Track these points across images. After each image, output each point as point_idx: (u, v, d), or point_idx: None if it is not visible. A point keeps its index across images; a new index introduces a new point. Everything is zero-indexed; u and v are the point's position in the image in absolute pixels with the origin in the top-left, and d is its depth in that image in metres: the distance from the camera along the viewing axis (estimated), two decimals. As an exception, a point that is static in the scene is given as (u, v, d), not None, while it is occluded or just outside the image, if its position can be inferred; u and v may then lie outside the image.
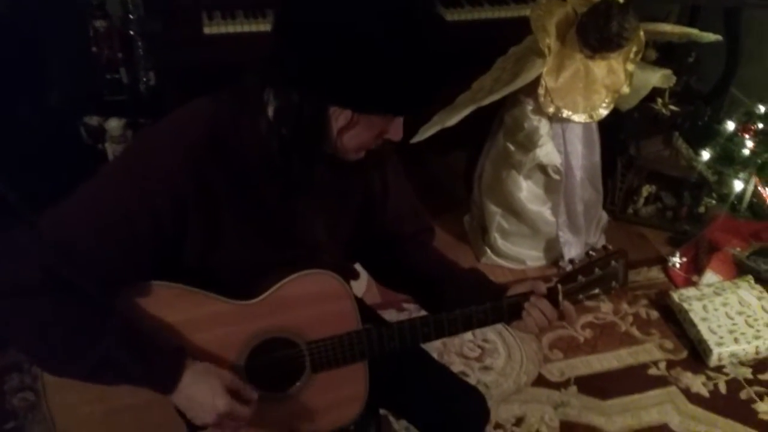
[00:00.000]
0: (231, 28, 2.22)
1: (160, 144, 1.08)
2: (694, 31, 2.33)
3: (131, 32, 2.60)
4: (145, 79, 2.68)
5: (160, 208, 1.05)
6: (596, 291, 1.23)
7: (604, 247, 1.24)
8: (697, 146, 2.72)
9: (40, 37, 2.51)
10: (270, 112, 1.07)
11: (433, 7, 1.04)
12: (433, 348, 2.17)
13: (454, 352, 2.21)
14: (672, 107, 2.68)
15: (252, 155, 1.08)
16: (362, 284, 2.32)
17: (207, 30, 2.21)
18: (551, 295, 1.21)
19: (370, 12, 0.95)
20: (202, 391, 1.09)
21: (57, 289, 1.03)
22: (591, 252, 1.23)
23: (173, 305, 1.13)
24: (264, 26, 2.22)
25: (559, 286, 1.21)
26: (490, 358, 2.20)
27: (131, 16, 2.56)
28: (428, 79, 1.02)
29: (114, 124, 2.55)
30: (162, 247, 1.08)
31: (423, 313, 1.27)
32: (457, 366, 2.15)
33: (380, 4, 0.96)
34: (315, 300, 1.19)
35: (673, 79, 2.42)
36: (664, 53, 2.70)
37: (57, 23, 2.56)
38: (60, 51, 2.60)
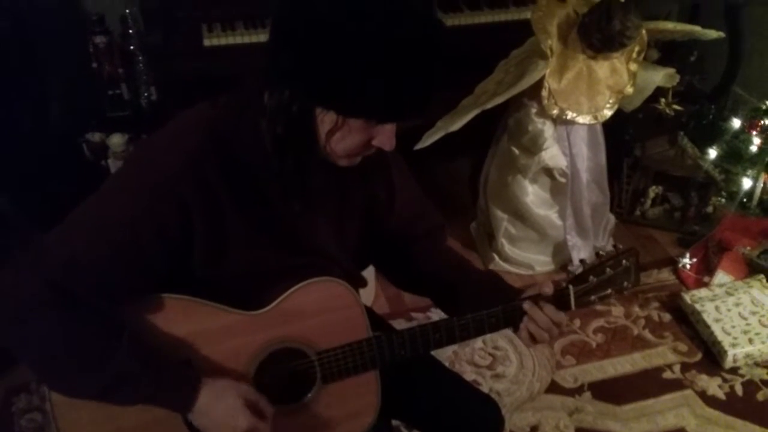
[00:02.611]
0: (231, 40, 2.22)
1: (160, 152, 1.07)
2: (696, 29, 2.32)
3: (131, 47, 2.61)
4: (146, 95, 2.68)
5: (164, 218, 1.03)
6: (608, 291, 1.21)
7: (615, 247, 1.22)
8: (702, 145, 2.71)
9: (40, 55, 2.51)
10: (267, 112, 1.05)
11: (429, 18, 0.99)
12: (444, 357, 2.14)
13: (465, 360, 2.19)
14: (676, 107, 2.66)
15: (253, 157, 1.07)
16: (370, 293, 2.30)
17: (207, 42, 2.21)
18: (562, 298, 1.19)
19: (356, 15, 0.94)
20: (222, 410, 1.07)
21: (66, 307, 1.01)
22: (601, 252, 1.21)
23: (181, 317, 1.11)
24: (264, 37, 2.19)
25: (571, 288, 1.19)
26: (501, 366, 2.17)
27: (131, 32, 2.56)
28: (410, 89, 0.98)
29: (116, 140, 2.54)
30: (169, 256, 1.07)
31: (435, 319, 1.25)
32: (468, 375, 2.12)
33: (368, 9, 0.94)
34: (323, 309, 1.17)
35: (677, 78, 2.40)
36: (666, 53, 2.69)
37: (57, 40, 2.57)
38: (60, 68, 2.60)
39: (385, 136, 1.05)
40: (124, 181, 1.08)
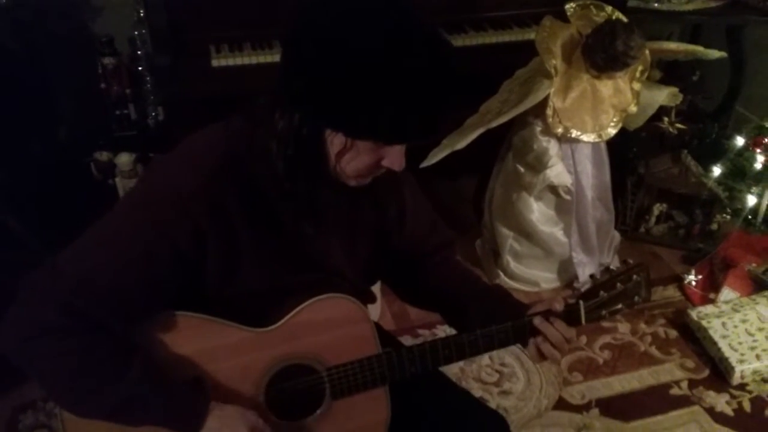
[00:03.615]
0: (239, 60, 2.24)
1: (174, 173, 1.08)
2: (699, 48, 2.34)
3: (140, 68, 2.64)
4: (153, 114, 2.71)
5: (178, 238, 1.04)
6: (619, 306, 1.21)
7: (625, 262, 1.23)
8: (706, 163, 2.72)
9: (49, 75, 2.55)
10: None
11: (438, 40, 1.00)
12: (451, 374, 2.11)
13: (472, 377, 2.18)
14: (679, 125, 2.68)
15: (266, 178, 1.08)
16: (376, 311, 2.31)
17: (215, 63, 2.23)
18: (572, 313, 1.20)
19: (365, 39, 0.95)
20: None
21: (79, 328, 1.02)
22: (611, 267, 1.22)
23: (191, 334, 1.12)
24: (271, 57, 2.24)
25: (581, 303, 1.19)
26: (508, 383, 2.17)
27: (139, 53, 2.59)
28: (418, 111, 0.99)
29: (124, 159, 2.57)
30: (182, 276, 1.07)
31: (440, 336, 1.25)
32: (475, 391, 2.12)
33: (374, 32, 0.95)
34: (333, 325, 1.18)
35: (680, 97, 2.42)
36: (668, 73, 2.71)
37: (66, 61, 2.60)
38: (69, 88, 2.64)
39: (394, 157, 1.06)
40: (138, 202, 1.09)
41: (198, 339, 1.12)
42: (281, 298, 1.16)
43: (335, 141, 1.03)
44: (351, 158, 1.05)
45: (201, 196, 1.04)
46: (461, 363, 2.19)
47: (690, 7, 2.68)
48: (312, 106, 1.00)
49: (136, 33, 2.58)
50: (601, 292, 1.19)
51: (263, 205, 1.09)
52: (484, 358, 2.22)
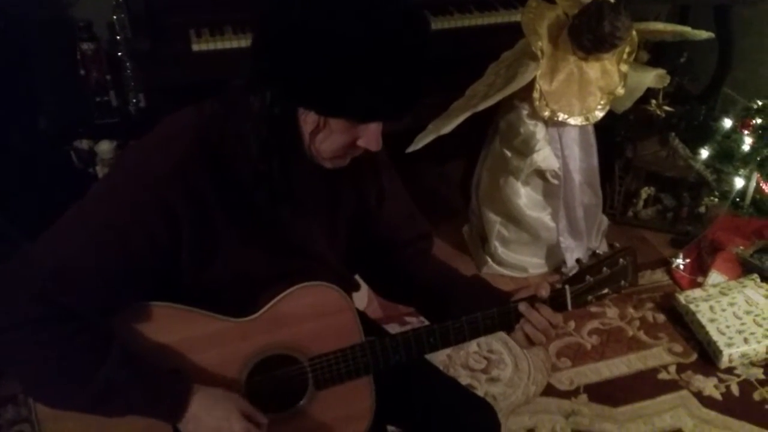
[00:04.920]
0: (219, 45, 2.20)
1: (147, 159, 1.05)
2: (686, 29, 2.32)
3: (119, 54, 2.59)
4: (134, 101, 2.66)
5: (152, 223, 1.02)
6: (605, 291, 1.20)
7: (611, 245, 1.21)
8: (694, 146, 2.71)
9: (27, 62, 2.50)
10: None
11: (410, 15, 0.98)
12: (438, 361, 2.12)
13: (460, 364, 2.17)
14: (667, 108, 2.66)
15: (240, 161, 1.06)
16: (363, 298, 2.28)
17: (195, 47, 2.19)
18: (558, 299, 1.18)
19: (333, 15, 0.93)
20: (216, 417, 1.06)
21: (55, 317, 0.99)
22: (598, 251, 1.20)
23: (170, 325, 1.10)
24: (253, 41, 2.20)
25: (567, 288, 1.17)
26: (496, 369, 2.16)
27: (119, 38, 2.54)
28: (390, 88, 0.97)
29: (105, 147, 2.52)
30: (158, 263, 1.05)
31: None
32: (463, 378, 2.10)
33: (346, 8, 0.94)
34: (315, 314, 1.15)
35: (668, 79, 2.40)
36: (656, 54, 2.69)
37: (45, 47, 2.55)
38: (48, 75, 2.59)
39: (370, 137, 1.04)
40: (111, 187, 1.07)
41: (175, 330, 1.10)
42: (261, 287, 1.14)
43: (308, 120, 1.01)
44: (324, 137, 1.03)
45: (174, 182, 1.02)
46: (448, 350, 2.18)
47: (677, -13, 2.66)
48: (282, 84, 0.98)
49: (114, 18, 2.52)
50: (588, 277, 1.17)
51: (239, 190, 1.07)
52: (472, 345, 2.21)
